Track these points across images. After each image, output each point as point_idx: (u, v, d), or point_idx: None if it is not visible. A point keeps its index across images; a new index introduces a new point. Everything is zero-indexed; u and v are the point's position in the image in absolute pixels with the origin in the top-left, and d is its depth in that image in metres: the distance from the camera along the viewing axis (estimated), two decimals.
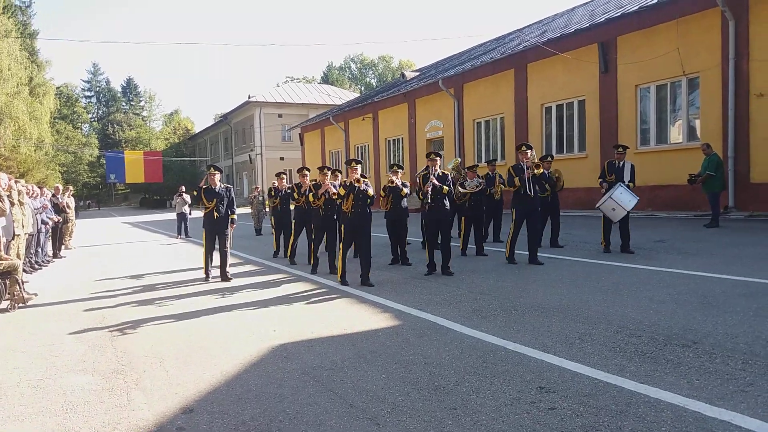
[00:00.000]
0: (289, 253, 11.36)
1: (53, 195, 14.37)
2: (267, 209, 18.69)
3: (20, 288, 7.79)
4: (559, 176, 11.28)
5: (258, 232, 18.82)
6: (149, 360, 5.17)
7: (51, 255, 13.82)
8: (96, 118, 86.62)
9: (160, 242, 18.22)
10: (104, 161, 62.00)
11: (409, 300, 7.11)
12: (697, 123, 15.48)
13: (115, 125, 76.85)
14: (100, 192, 77.31)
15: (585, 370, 4.27)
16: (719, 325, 5.16)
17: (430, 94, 25.79)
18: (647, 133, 16.68)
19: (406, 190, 9.48)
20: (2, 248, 8.19)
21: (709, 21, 14.57)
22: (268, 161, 47.55)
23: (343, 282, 8.39)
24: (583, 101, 18.53)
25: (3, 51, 35.21)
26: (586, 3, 25.79)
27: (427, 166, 9.08)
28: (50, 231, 13.38)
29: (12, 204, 8.84)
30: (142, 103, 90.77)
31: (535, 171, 9.22)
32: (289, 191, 11.93)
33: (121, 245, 17.65)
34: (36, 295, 8.45)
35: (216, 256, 9.73)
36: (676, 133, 16.12)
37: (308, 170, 11.48)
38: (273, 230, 12.81)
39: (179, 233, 19.18)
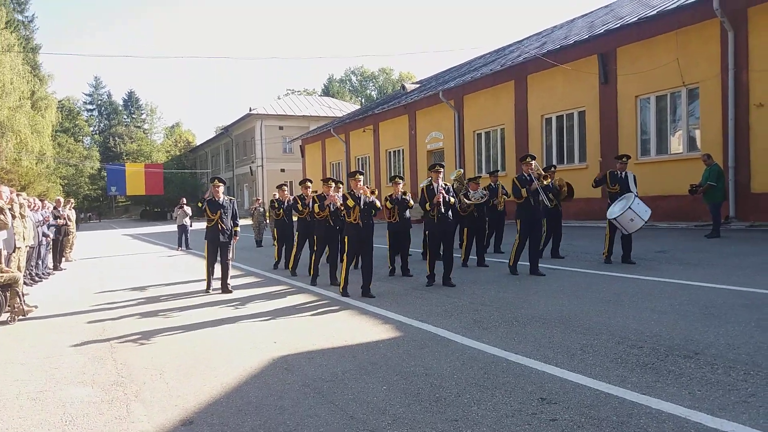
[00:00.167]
0: (291, 265, 11.35)
1: (54, 208, 14.39)
2: (268, 221, 18.71)
3: (20, 300, 7.78)
4: (562, 185, 11.28)
5: (259, 243, 18.83)
6: (149, 372, 5.16)
7: (51, 267, 13.82)
8: (97, 131, 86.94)
9: (161, 254, 18.22)
10: (105, 174, 62.16)
11: (410, 311, 7.09)
12: (698, 133, 15.51)
13: (116, 138, 77.13)
14: (100, 204, 77.42)
15: (586, 381, 4.25)
16: (721, 336, 5.14)
17: (431, 106, 25.90)
18: (647, 143, 16.72)
19: (412, 202, 9.59)
20: (3, 261, 8.20)
21: (709, 32, 14.65)
22: (268, 173, 47.65)
23: (345, 294, 8.38)
24: (584, 112, 18.59)
25: (6, 65, 35.46)
26: (586, 15, 25.98)
27: (430, 178, 9.10)
28: (51, 243, 13.39)
29: (13, 217, 8.85)
30: (143, 116, 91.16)
31: (544, 182, 9.29)
32: (292, 203, 11.94)
33: (121, 257, 17.65)
34: (36, 307, 8.44)
35: (217, 268, 9.72)
36: (677, 144, 16.15)
37: (311, 182, 11.50)
38: (275, 242, 12.79)
39: (180, 245, 19.19)
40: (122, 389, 4.72)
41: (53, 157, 49.69)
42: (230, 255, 9.68)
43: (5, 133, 35.41)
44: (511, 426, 3.57)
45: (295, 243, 11.44)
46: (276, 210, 12.71)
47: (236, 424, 3.88)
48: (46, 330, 7.18)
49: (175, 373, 5.08)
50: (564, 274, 9.26)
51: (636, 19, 16.61)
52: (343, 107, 53.27)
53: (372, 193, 8.57)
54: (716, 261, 9.34)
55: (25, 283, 9.11)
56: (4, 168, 35.42)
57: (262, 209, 19.96)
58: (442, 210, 8.78)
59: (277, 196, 12.98)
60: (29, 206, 10.78)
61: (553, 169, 11.17)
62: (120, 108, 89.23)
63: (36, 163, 41.19)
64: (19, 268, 8.99)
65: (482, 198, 10.68)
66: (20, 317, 7.76)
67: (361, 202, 8.31)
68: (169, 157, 74.47)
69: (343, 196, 8.55)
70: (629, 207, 9.45)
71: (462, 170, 16.46)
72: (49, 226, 12.52)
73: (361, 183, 8.50)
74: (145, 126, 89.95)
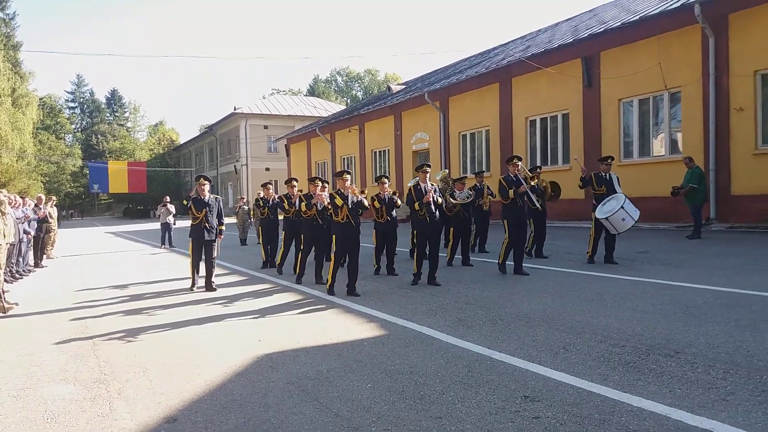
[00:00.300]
0: (278, 262, 11.28)
1: (35, 205, 14.22)
2: (252, 219, 18.64)
3: (1, 298, 7.69)
4: (546, 187, 11.39)
5: (243, 242, 18.76)
6: (132, 369, 5.12)
7: (32, 264, 13.66)
8: (79, 129, 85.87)
9: (144, 252, 18.07)
10: (87, 171, 61.47)
11: (395, 310, 7.11)
12: (679, 136, 15.72)
13: (99, 136, 76.23)
14: (83, 202, 76.53)
15: (569, 379, 4.29)
16: (701, 335, 5.22)
17: (416, 107, 25.96)
18: (630, 146, 16.90)
19: (400, 202, 9.63)
20: None
21: (690, 37, 14.85)
22: (253, 172, 47.43)
23: (331, 292, 8.38)
24: (567, 115, 18.75)
25: None
26: (570, 18, 26.20)
27: (417, 178, 9.12)
28: (32, 240, 13.23)
29: None
30: (126, 114, 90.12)
31: (531, 182, 9.37)
32: (278, 201, 11.89)
33: (103, 255, 17.47)
34: (17, 304, 8.35)
35: (202, 267, 9.67)
36: (659, 146, 16.36)
37: (296, 181, 11.47)
38: (260, 241, 12.74)
39: (163, 243, 19.06)
40: (105, 387, 4.68)
41: (34, 155, 49.05)
42: (215, 253, 9.63)
43: None
44: (495, 423, 3.60)
45: (283, 242, 11.36)
46: (261, 209, 12.67)
47: (220, 421, 3.87)
48: (27, 327, 7.10)
49: (158, 371, 5.05)
50: (547, 273, 9.34)
51: (619, 23, 16.79)
52: (328, 107, 53.15)
53: (362, 192, 8.60)
54: (697, 262, 9.47)
55: (5, 280, 9.00)
56: None
57: (246, 208, 19.88)
58: (433, 209, 8.83)
59: (262, 195, 12.94)
60: (10, 203, 10.65)
61: (538, 170, 11.26)
62: (103, 106, 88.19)
63: (16, 161, 40.64)
64: None
65: (468, 198, 10.74)
66: (0, 315, 7.66)
67: (349, 201, 8.32)
68: (153, 156, 73.81)
69: (331, 195, 8.54)
70: (621, 207, 9.54)
71: (447, 171, 16.50)
72: (30, 222, 12.36)
73: (349, 182, 8.52)
74: (129, 124, 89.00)
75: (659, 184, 14.94)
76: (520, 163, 9.55)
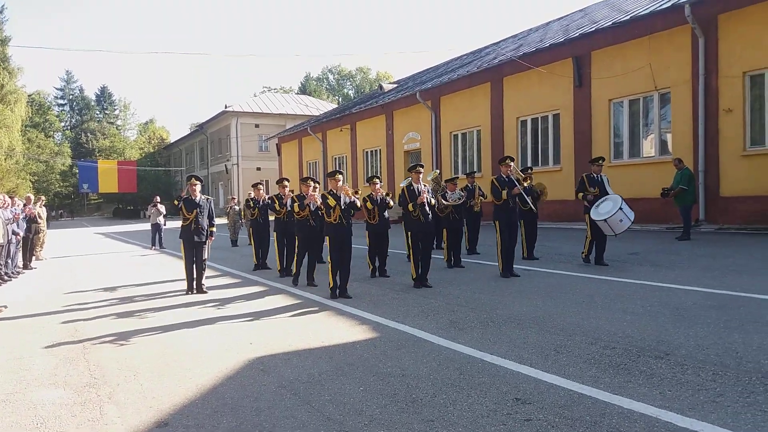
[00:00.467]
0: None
1: (24, 205, 14.11)
2: (243, 220, 18.57)
3: None
4: (543, 189, 11.48)
5: (234, 243, 18.69)
6: (123, 373, 5.10)
7: (21, 266, 13.56)
8: (69, 127, 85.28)
9: (134, 253, 17.98)
10: (77, 170, 61.03)
11: (387, 312, 7.12)
12: (669, 137, 15.82)
13: (88, 134, 75.68)
14: (72, 202, 75.96)
15: (560, 381, 4.31)
16: (691, 337, 5.26)
17: (408, 106, 25.97)
18: (620, 146, 16.99)
19: (392, 203, 9.63)
20: None
21: (680, 38, 14.94)
22: (244, 171, 47.29)
23: (333, 295, 8.26)
24: (558, 115, 18.81)
25: None
26: (561, 18, 26.30)
27: (410, 178, 9.12)
28: (21, 242, 13.13)
29: None
30: (116, 112, 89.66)
31: (524, 183, 9.40)
32: (268, 202, 11.84)
33: (93, 256, 17.37)
34: (6, 307, 8.28)
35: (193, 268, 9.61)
36: (649, 147, 16.45)
37: (288, 181, 11.43)
38: (251, 242, 12.68)
39: (153, 244, 18.97)
40: (95, 391, 4.65)
41: (23, 153, 48.64)
42: (205, 255, 9.57)
43: None
44: (487, 426, 3.61)
45: (276, 245, 11.17)
46: (251, 209, 12.62)
47: (212, 425, 3.86)
48: (17, 330, 7.05)
49: (149, 375, 5.03)
50: (538, 275, 9.37)
51: (610, 23, 16.87)
52: (320, 106, 53.09)
53: (355, 193, 8.59)
54: (687, 263, 9.54)
55: None
56: None
57: (237, 208, 19.81)
58: (427, 210, 8.83)
59: (252, 195, 12.89)
60: None
61: (529, 170, 11.30)
62: (92, 103, 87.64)
63: (5, 159, 40.29)
64: None
65: (460, 199, 10.76)
66: None
67: (342, 202, 8.30)
68: (143, 154, 73.39)
69: (323, 195, 8.51)
70: (620, 208, 9.58)
71: (439, 171, 16.54)
72: (19, 222, 12.26)
73: (341, 183, 8.50)
74: (119, 122, 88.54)
75: (649, 186, 15.04)
76: (512, 163, 9.57)
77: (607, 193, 10.07)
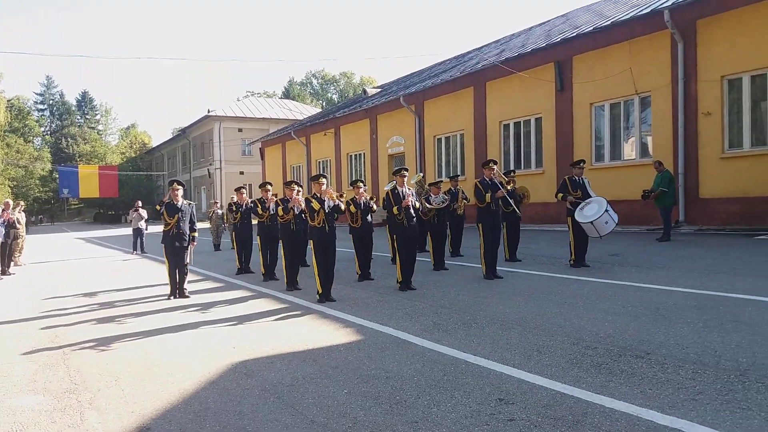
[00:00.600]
0: (263, 271, 10.96)
1: (3, 210, 13.91)
2: (226, 224, 18.46)
3: None
4: (525, 192, 11.56)
5: (217, 247, 18.57)
6: (104, 379, 5.04)
7: (0, 272, 13.36)
8: (49, 132, 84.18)
9: (115, 258, 17.79)
10: (57, 175, 60.26)
11: (371, 315, 7.11)
12: (649, 140, 16.01)
13: (69, 139, 74.83)
14: (52, 207, 74.96)
15: (543, 381, 4.34)
16: (671, 337, 5.32)
17: (392, 110, 26.03)
18: (602, 149, 17.16)
19: (375, 207, 9.65)
20: None
21: (660, 42, 15.15)
22: (227, 175, 47.02)
23: (321, 300, 8.20)
24: (540, 118, 18.96)
25: None
26: (543, 23, 26.54)
27: (394, 182, 9.12)
28: None
29: None
30: (97, 117, 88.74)
31: (508, 187, 9.46)
32: (251, 206, 11.78)
33: (73, 261, 17.16)
34: None
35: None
36: (630, 150, 16.63)
37: (271, 185, 11.39)
38: (234, 246, 12.61)
39: (135, 249, 18.79)
40: (76, 397, 4.60)
41: (1, 158, 48.00)
42: (187, 259, 9.50)
43: None
44: (470, 426, 3.63)
45: (260, 249, 11.10)
46: (234, 213, 12.55)
47: (195, 429, 3.84)
48: None
49: (130, 380, 4.98)
50: (521, 276, 9.43)
51: (591, 28, 17.06)
52: (303, 110, 52.98)
53: (340, 196, 8.59)
54: (667, 264, 9.65)
55: None
56: None
57: (220, 212, 19.69)
58: (412, 213, 8.85)
59: (235, 199, 12.82)
60: None
61: (512, 174, 11.37)
62: (73, 108, 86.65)
63: None
64: None
65: (443, 203, 10.80)
66: None
67: (326, 206, 8.29)
68: (124, 159, 72.68)
69: (307, 199, 8.47)
70: (606, 210, 9.66)
71: (422, 174, 16.59)
72: None
73: (325, 186, 8.47)
74: (100, 127, 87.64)
75: (630, 188, 15.19)
76: (495, 167, 9.62)
77: (590, 196, 10.16)
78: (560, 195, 10.34)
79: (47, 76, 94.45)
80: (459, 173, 21.38)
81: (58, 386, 4.88)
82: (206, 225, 21.90)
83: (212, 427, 3.85)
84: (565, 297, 7.47)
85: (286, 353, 5.60)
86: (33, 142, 76.68)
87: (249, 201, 12.41)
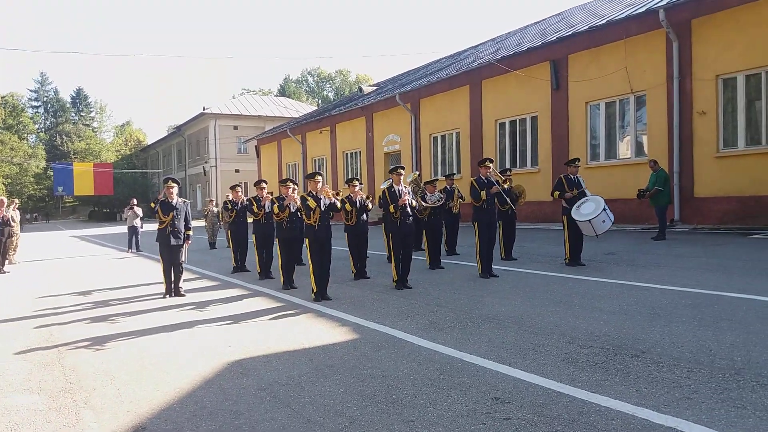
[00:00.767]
0: (259, 269, 10.98)
1: None
2: (221, 222, 18.43)
3: None
4: (522, 191, 11.58)
5: (212, 245, 18.55)
6: (99, 378, 5.03)
7: None
8: (43, 129, 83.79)
9: (110, 257, 17.74)
10: (51, 173, 60.04)
11: (367, 313, 7.12)
12: (645, 139, 16.05)
13: (63, 136, 74.46)
14: (46, 205, 74.71)
15: (539, 380, 4.35)
16: (666, 335, 5.34)
17: (388, 109, 26.02)
18: (597, 148, 17.20)
19: (371, 206, 9.65)
20: None
21: (655, 41, 15.18)
22: (222, 173, 46.94)
23: (317, 299, 8.17)
24: (536, 117, 18.99)
25: None
26: (538, 22, 26.57)
27: (390, 180, 9.12)
28: None
29: None
30: (92, 114, 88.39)
31: (504, 185, 9.46)
32: (246, 204, 11.75)
33: (68, 259, 17.10)
34: None
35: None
36: (625, 149, 16.67)
37: (266, 183, 11.36)
38: (229, 244, 12.58)
39: (130, 247, 18.73)
40: (71, 396, 4.59)
41: None
42: (182, 257, 9.48)
43: None
44: (467, 425, 3.63)
45: (255, 247, 11.08)
46: (229, 211, 12.52)
47: (191, 429, 3.83)
48: None
49: (126, 379, 4.97)
50: (516, 275, 9.44)
51: (587, 27, 17.09)
52: (299, 108, 52.87)
53: (336, 195, 8.58)
54: (662, 262, 9.68)
55: None
56: None
57: (215, 210, 19.65)
58: (408, 212, 8.85)
59: (230, 197, 12.79)
60: None
61: (508, 172, 11.38)
62: (68, 105, 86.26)
63: None
64: None
65: (439, 201, 10.80)
66: None
67: (321, 204, 8.28)
68: (119, 157, 72.51)
69: (303, 197, 8.45)
70: (603, 209, 9.68)
71: (418, 173, 16.59)
72: None
73: (321, 184, 8.46)
74: (95, 124, 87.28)
75: (625, 187, 15.24)
76: (491, 165, 9.63)
77: (585, 194, 10.17)
78: (557, 193, 10.34)
79: (41, 73, 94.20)
80: (455, 171, 21.42)
81: (53, 385, 4.87)
82: (202, 223, 21.86)
83: (208, 427, 3.85)
84: (561, 296, 7.48)
85: (282, 352, 5.60)
86: (27, 140, 76.37)
87: (244, 199, 12.38)
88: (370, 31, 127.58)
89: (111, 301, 9.15)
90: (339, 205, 8.61)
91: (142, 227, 19.53)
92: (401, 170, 9.10)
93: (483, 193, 9.26)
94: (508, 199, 10.10)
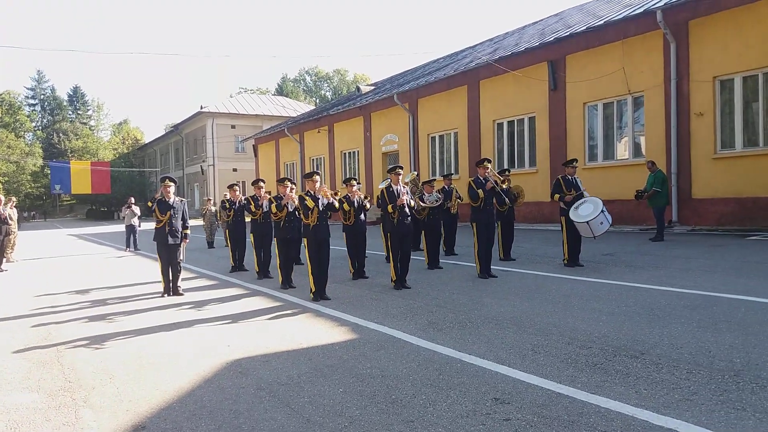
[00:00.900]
0: (257, 269, 10.96)
1: None
2: (219, 221, 18.41)
3: None
4: (520, 192, 11.58)
5: (210, 244, 18.52)
6: (98, 376, 5.02)
7: None
8: (40, 127, 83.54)
9: (108, 255, 17.70)
10: (49, 171, 59.88)
11: (366, 313, 7.12)
12: (642, 140, 16.08)
13: (60, 134, 74.21)
14: (44, 203, 74.50)
15: (538, 381, 4.36)
16: (665, 337, 5.35)
17: (386, 108, 26.02)
18: (595, 149, 17.23)
19: (369, 206, 9.63)
20: None
21: (652, 42, 15.21)
22: (220, 172, 46.90)
23: (315, 299, 8.16)
24: (534, 117, 19.01)
25: None
26: (536, 22, 26.58)
27: (389, 179, 9.11)
28: None
29: None
30: (89, 112, 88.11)
31: (503, 185, 9.45)
32: (244, 203, 11.74)
33: (66, 258, 17.07)
34: None
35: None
36: (623, 150, 16.70)
37: (263, 182, 11.34)
38: (227, 243, 12.58)
39: (128, 246, 18.70)
40: (70, 395, 4.58)
41: None
42: (180, 256, 9.46)
43: None
44: (466, 426, 3.64)
45: (253, 247, 11.06)
46: (227, 210, 12.50)
47: (190, 428, 3.83)
48: None
49: (125, 378, 4.96)
50: (515, 276, 9.45)
51: (584, 28, 17.11)
52: (297, 107, 52.87)
53: (335, 194, 8.58)
54: (660, 263, 9.70)
55: None
56: None
57: (213, 209, 19.63)
58: (407, 212, 8.85)
59: (228, 197, 12.78)
60: None
61: (507, 173, 11.39)
62: (65, 103, 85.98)
63: None
64: None
65: (437, 201, 10.81)
66: None
67: (320, 203, 8.27)
68: (117, 155, 72.33)
69: (301, 197, 8.45)
70: (602, 211, 9.69)
71: (416, 173, 16.59)
72: None
73: (318, 184, 8.45)
74: (92, 122, 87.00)
75: (623, 188, 15.26)
76: (489, 165, 9.63)
77: (583, 195, 10.18)
78: (557, 196, 10.32)
79: (38, 71, 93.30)
80: (453, 172, 21.42)
81: (52, 384, 4.86)
82: (199, 222, 21.83)
83: (207, 426, 3.84)
84: (560, 296, 7.49)
85: (281, 351, 5.59)
86: (24, 138, 76.14)
87: (242, 198, 12.37)
88: (368, 30, 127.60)
89: (109, 299, 9.13)
90: (337, 204, 8.61)
91: (139, 226, 19.50)
92: (400, 170, 9.09)
93: (480, 191, 9.25)
94: (506, 199, 10.10)
